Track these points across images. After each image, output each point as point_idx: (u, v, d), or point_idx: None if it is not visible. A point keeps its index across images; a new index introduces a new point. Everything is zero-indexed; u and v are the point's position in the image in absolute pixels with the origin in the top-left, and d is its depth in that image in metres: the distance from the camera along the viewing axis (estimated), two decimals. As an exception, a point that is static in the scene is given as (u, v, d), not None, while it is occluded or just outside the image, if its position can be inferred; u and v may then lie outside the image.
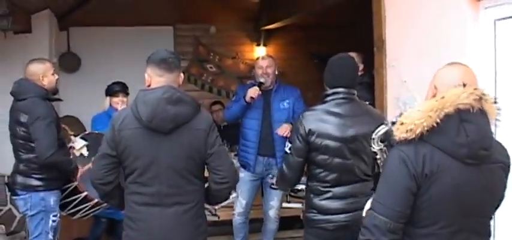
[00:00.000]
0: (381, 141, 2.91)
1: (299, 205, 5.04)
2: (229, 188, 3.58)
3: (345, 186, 3.82)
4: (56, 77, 4.94)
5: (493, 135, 2.67)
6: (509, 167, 2.74)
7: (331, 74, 3.91)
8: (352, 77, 3.91)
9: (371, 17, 5.14)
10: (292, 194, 5.20)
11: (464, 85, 2.58)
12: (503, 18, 3.77)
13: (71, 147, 5.03)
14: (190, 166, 3.40)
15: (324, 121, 3.78)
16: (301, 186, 4.84)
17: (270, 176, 5.79)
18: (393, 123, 2.71)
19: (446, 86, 2.64)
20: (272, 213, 5.97)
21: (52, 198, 4.70)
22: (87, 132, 5.57)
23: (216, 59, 10.10)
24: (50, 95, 4.83)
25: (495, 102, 2.62)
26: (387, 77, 4.95)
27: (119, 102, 5.88)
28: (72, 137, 5.22)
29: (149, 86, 3.44)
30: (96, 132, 5.37)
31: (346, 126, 3.77)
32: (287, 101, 5.85)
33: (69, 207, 4.79)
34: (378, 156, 2.96)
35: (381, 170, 2.82)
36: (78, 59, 9.39)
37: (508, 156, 2.75)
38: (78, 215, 5.02)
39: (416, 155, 2.55)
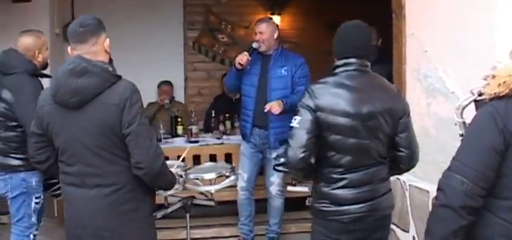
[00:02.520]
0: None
1: (306, 188, 4.71)
2: (146, 176, 3.16)
3: (360, 171, 3.34)
4: (48, 51, 4.66)
5: None
6: None
7: (341, 42, 3.43)
8: (365, 46, 3.43)
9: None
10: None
11: None
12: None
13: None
14: (104, 144, 3.11)
15: (335, 95, 3.28)
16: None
17: (274, 155, 5.53)
18: (480, 94, 2.49)
19: None
20: (273, 189, 5.81)
21: (34, 179, 4.43)
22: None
23: (228, 28, 9.68)
24: (38, 71, 4.51)
25: None
26: (406, 46, 4.62)
27: None
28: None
29: None
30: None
31: (361, 101, 3.28)
32: (285, 67, 5.63)
33: (54, 189, 4.44)
34: (460, 133, 2.68)
35: None
36: (84, 29, 9.01)
37: None
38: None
39: (508, 110, 2.33)
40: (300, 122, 3.28)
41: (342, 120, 3.26)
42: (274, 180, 5.74)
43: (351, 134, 3.29)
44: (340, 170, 3.34)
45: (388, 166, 3.47)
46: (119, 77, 3.17)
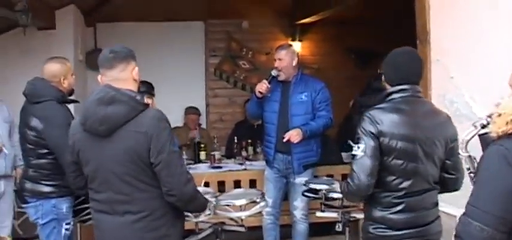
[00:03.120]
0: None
1: (335, 214, 4.74)
2: (179, 202, 3.21)
3: (417, 195, 3.35)
4: (74, 77, 4.67)
5: None
6: None
7: (395, 68, 3.46)
8: (418, 72, 3.48)
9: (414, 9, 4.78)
10: (326, 203, 4.82)
11: None
12: None
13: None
14: (133, 172, 3.14)
15: (395, 120, 3.31)
16: (337, 195, 4.58)
17: (298, 180, 5.58)
18: (483, 126, 2.52)
19: None
20: (297, 213, 5.80)
21: (64, 206, 4.43)
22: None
23: (249, 55, 9.70)
24: (66, 97, 4.54)
25: None
26: (432, 72, 4.59)
27: None
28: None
29: None
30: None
31: (419, 126, 3.33)
32: (305, 93, 5.66)
33: (82, 214, 4.45)
34: (467, 167, 2.78)
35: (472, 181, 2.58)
36: (106, 56, 9.10)
37: None
38: (90, 222, 4.66)
39: None
40: (365, 150, 3.28)
41: (403, 144, 3.28)
42: (298, 204, 5.73)
43: (411, 159, 3.31)
44: (399, 194, 3.34)
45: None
46: (147, 105, 3.22)
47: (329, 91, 5.74)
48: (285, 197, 6.01)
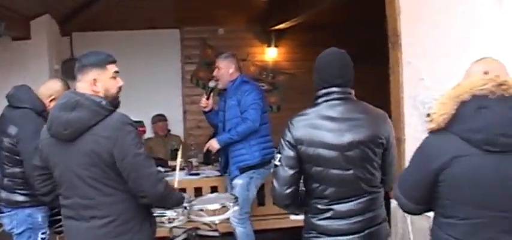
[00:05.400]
0: None
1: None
2: (152, 202, 3.29)
3: (349, 202, 3.26)
4: None
5: None
6: None
7: (320, 71, 3.34)
8: (346, 73, 3.32)
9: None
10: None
11: (485, 73, 2.73)
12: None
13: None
14: (97, 175, 3.14)
15: (316, 127, 3.22)
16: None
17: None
18: (428, 115, 2.78)
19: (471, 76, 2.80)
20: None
21: (40, 215, 4.42)
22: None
23: (224, 61, 9.69)
24: (46, 114, 4.46)
25: None
26: (403, 74, 4.66)
27: None
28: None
29: None
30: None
31: (342, 131, 3.20)
32: (235, 97, 5.77)
33: (58, 225, 4.43)
34: None
35: None
36: (82, 65, 9.06)
37: None
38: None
39: (435, 141, 2.65)
40: (281, 159, 3.28)
41: (322, 151, 3.20)
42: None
43: (332, 165, 3.21)
44: (325, 200, 3.28)
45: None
46: (112, 111, 3.21)
47: (258, 94, 5.82)
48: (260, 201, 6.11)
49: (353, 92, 3.35)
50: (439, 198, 2.63)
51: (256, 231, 6.03)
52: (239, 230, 5.84)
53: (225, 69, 5.79)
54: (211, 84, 5.82)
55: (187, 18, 9.27)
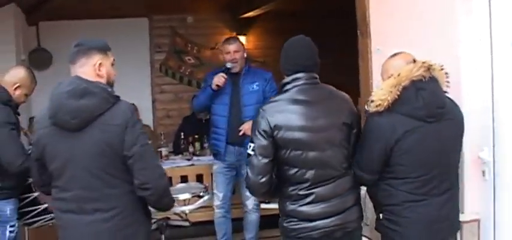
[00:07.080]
0: None
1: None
2: (153, 196, 3.13)
3: (326, 184, 3.34)
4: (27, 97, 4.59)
5: (446, 95, 3.36)
6: (462, 119, 3.45)
7: (287, 58, 3.46)
8: (311, 59, 3.46)
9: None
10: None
11: (414, 61, 3.33)
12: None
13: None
14: (105, 165, 3.05)
15: (289, 111, 3.31)
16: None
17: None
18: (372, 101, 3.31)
19: (397, 68, 3.34)
20: (250, 203, 5.83)
21: (8, 208, 4.32)
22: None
23: (194, 50, 9.74)
24: (11, 103, 4.40)
25: (442, 69, 3.34)
26: (373, 62, 4.62)
27: None
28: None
29: None
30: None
31: (315, 114, 3.33)
32: (256, 83, 5.72)
33: (27, 217, 4.38)
34: None
35: None
36: (50, 55, 8.99)
37: (460, 111, 3.46)
38: (36, 225, 4.65)
39: (387, 122, 3.26)
40: (255, 149, 3.31)
41: (299, 134, 3.28)
42: (250, 194, 5.74)
43: (311, 148, 3.29)
44: (305, 185, 3.33)
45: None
46: (118, 98, 3.14)
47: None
48: (233, 190, 6.05)
49: (318, 77, 3.47)
50: (392, 165, 3.30)
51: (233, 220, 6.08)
52: (256, 216, 5.89)
53: (242, 53, 5.76)
54: (229, 65, 5.67)
55: (156, 6, 9.22)
